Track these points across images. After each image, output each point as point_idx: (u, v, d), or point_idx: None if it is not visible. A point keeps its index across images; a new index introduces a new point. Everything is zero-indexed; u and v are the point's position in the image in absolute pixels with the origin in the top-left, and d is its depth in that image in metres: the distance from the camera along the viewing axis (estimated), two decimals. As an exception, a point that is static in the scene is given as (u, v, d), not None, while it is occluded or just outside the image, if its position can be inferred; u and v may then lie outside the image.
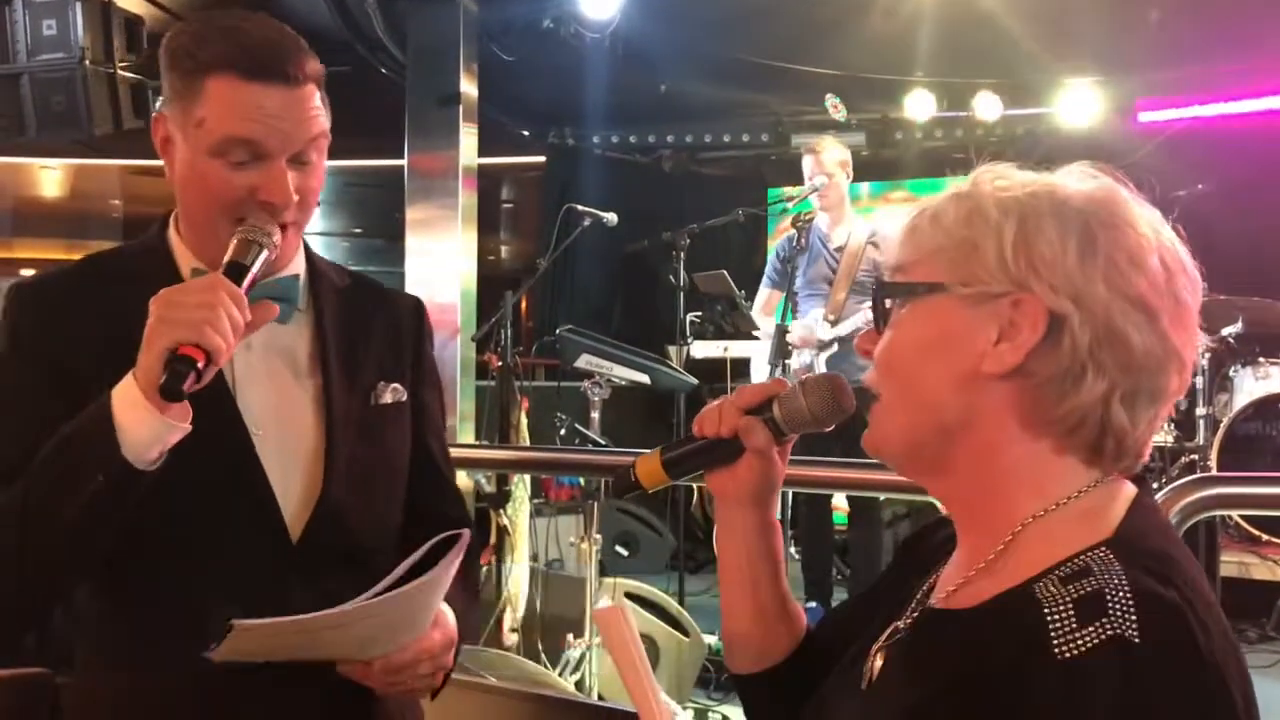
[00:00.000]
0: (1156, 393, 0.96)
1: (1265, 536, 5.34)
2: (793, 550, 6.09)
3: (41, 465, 1.27)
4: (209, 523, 1.38)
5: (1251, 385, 5.86)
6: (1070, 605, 0.84)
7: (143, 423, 1.21)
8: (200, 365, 1.19)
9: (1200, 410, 5.92)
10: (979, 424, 0.97)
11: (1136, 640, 0.82)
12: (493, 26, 5.84)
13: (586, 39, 5.94)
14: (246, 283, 1.29)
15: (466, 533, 1.23)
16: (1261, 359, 5.91)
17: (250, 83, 1.35)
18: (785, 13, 6.40)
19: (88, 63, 4.62)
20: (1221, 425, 5.69)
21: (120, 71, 4.78)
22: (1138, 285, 0.95)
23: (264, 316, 1.31)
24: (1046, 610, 0.84)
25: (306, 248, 1.56)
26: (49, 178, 11.83)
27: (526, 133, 8.61)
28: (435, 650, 1.37)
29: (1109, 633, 0.82)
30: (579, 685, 3.51)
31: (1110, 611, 0.83)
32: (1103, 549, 0.90)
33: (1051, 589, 0.87)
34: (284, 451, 1.42)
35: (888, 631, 1.04)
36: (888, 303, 1.02)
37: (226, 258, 1.31)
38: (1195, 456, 5.72)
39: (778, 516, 1.24)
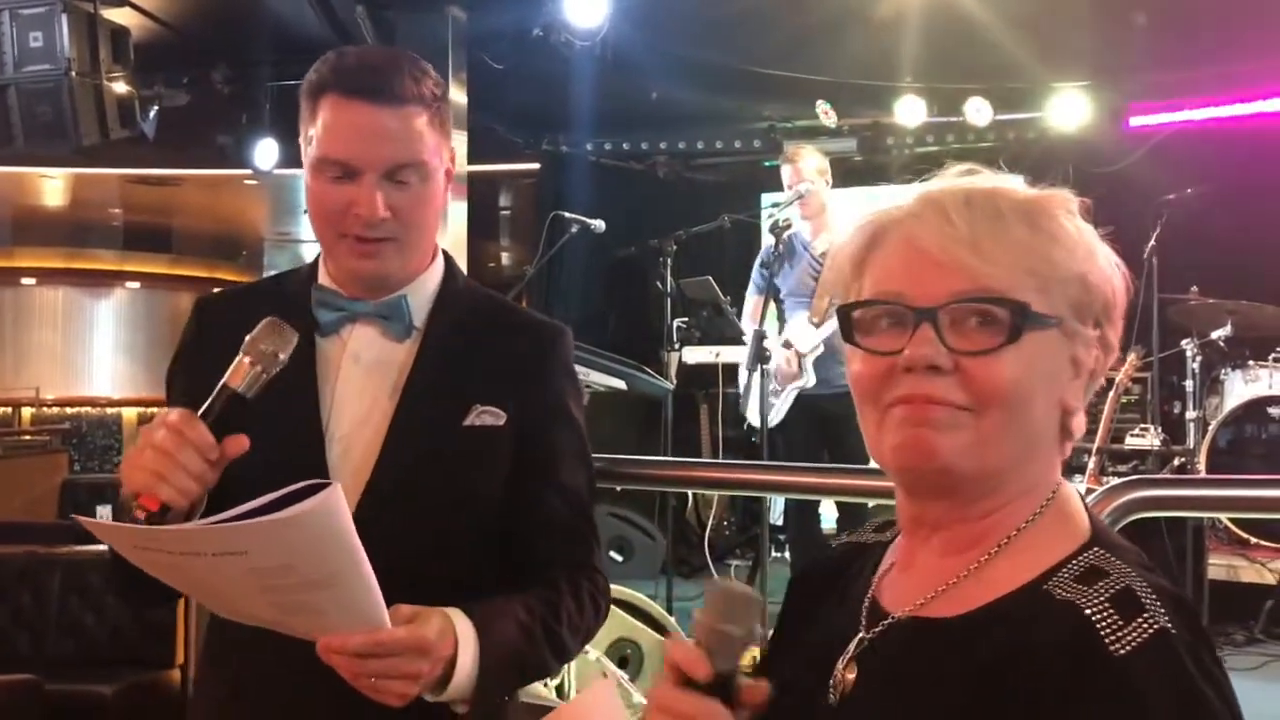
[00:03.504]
0: None
1: (1254, 539, 5.36)
2: (786, 554, 6.12)
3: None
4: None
5: (1241, 388, 5.87)
6: (1107, 604, 0.89)
7: None
8: (156, 511, 1.27)
9: (1190, 413, 5.94)
10: (1044, 452, 1.01)
11: (1173, 631, 0.88)
12: (482, 35, 5.87)
13: (576, 47, 5.96)
14: (223, 407, 1.32)
15: (334, 484, 1.16)
16: (1251, 362, 5.92)
17: (349, 100, 1.44)
18: (775, 20, 6.42)
19: (74, 74, 4.66)
20: (1210, 428, 5.70)
21: (107, 82, 4.82)
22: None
23: (235, 450, 1.33)
24: (1089, 611, 0.89)
25: (450, 271, 1.61)
26: (49, 186, 11.87)
27: (520, 140, 8.64)
28: (393, 646, 1.27)
29: (1156, 626, 0.87)
30: (559, 690, 3.53)
31: (1146, 608, 0.89)
32: (1097, 550, 0.96)
33: (1069, 589, 0.92)
34: (355, 462, 1.49)
35: (854, 643, 1.03)
36: (1013, 322, 0.96)
37: (224, 379, 1.34)
38: (1184, 459, 5.73)
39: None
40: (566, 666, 3.63)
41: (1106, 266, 1.01)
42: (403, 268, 1.53)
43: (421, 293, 1.56)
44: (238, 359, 1.34)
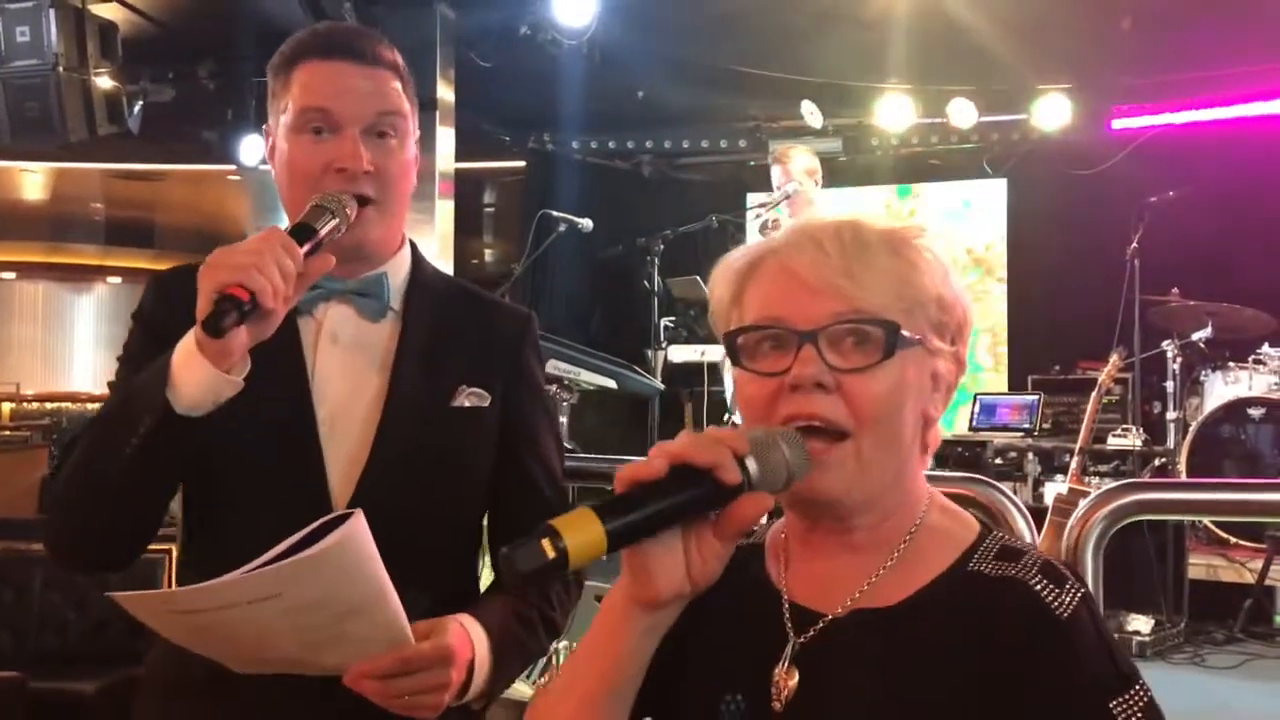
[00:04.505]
0: None
1: (1233, 539, 5.41)
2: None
3: (110, 406, 1.38)
4: (262, 498, 1.44)
5: (1221, 389, 5.93)
6: (1039, 574, 1.03)
7: (195, 373, 1.28)
8: (245, 304, 1.23)
9: (1171, 414, 5.99)
10: (913, 462, 1.10)
11: (1087, 594, 1.03)
12: (470, 32, 5.87)
13: (563, 45, 5.97)
14: (309, 244, 1.34)
15: (357, 512, 1.15)
16: (1231, 363, 5.99)
17: (326, 60, 1.47)
18: (762, 20, 6.44)
19: (61, 69, 4.63)
20: (1191, 429, 5.75)
21: (94, 78, 4.80)
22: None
23: (321, 266, 1.34)
24: (1031, 582, 1.02)
25: (417, 256, 1.62)
26: (30, 181, 11.79)
27: (506, 138, 8.64)
28: (421, 661, 1.28)
29: (1081, 591, 1.02)
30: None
31: (1066, 576, 1.03)
32: (998, 535, 1.10)
33: (996, 566, 1.05)
34: (346, 440, 1.48)
35: (790, 648, 1.07)
36: (887, 341, 1.04)
37: (299, 220, 1.37)
38: (1164, 460, 5.78)
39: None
40: (555, 661, 3.65)
41: (958, 289, 1.10)
42: (381, 237, 1.52)
43: (397, 274, 1.57)
44: (310, 208, 1.38)
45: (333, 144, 1.45)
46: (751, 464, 0.97)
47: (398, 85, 1.50)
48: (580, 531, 0.90)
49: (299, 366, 1.49)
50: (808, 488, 1.03)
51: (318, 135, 1.46)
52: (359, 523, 1.15)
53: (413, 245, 1.63)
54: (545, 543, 0.89)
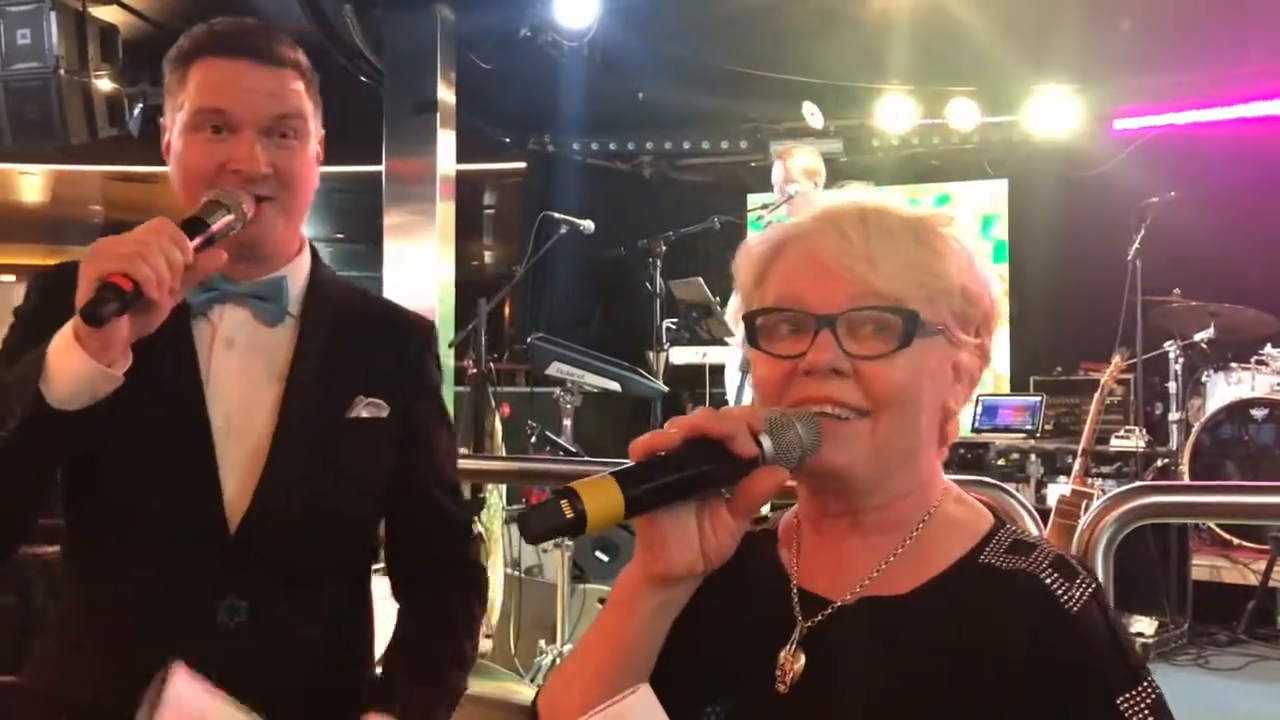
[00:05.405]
0: None
1: (1236, 540, 5.40)
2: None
3: None
4: (154, 501, 1.41)
5: (1224, 390, 5.92)
6: (1050, 568, 1.03)
7: (72, 365, 1.22)
8: (128, 293, 1.19)
9: (1173, 415, 5.98)
10: (928, 451, 1.10)
11: (1098, 589, 1.03)
12: (470, 34, 5.85)
13: (564, 47, 5.95)
14: (200, 239, 1.30)
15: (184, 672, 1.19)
16: (1234, 364, 5.97)
17: (224, 59, 1.43)
18: (762, 21, 6.43)
19: (62, 72, 4.62)
20: (1193, 430, 5.74)
21: (95, 81, 4.79)
22: None
23: (211, 263, 1.31)
24: (1042, 576, 1.02)
25: (316, 259, 1.58)
26: (29, 183, 11.77)
27: (507, 139, 8.63)
28: None
29: (1091, 586, 1.02)
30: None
31: (1078, 571, 1.03)
32: (1011, 529, 1.10)
33: (1007, 560, 1.05)
34: (240, 448, 1.44)
35: (798, 631, 1.07)
36: (905, 329, 1.04)
37: (194, 214, 1.33)
38: (1167, 461, 5.77)
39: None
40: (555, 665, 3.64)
41: (985, 280, 1.09)
42: (282, 233, 1.48)
43: (297, 278, 1.53)
44: (205, 202, 1.34)
45: (229, 144, 1.42)
46: (766, 440, 0.98)
47: (299, 85, 1.47)
48: (599, 495, 0.91)
49: (192, 371, 1.45)
50: (818, 460, 1.02)
51: (215, 134, 1.42)
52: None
53: (313, 249, 1.59)
54: (564, 504, 0.90)
